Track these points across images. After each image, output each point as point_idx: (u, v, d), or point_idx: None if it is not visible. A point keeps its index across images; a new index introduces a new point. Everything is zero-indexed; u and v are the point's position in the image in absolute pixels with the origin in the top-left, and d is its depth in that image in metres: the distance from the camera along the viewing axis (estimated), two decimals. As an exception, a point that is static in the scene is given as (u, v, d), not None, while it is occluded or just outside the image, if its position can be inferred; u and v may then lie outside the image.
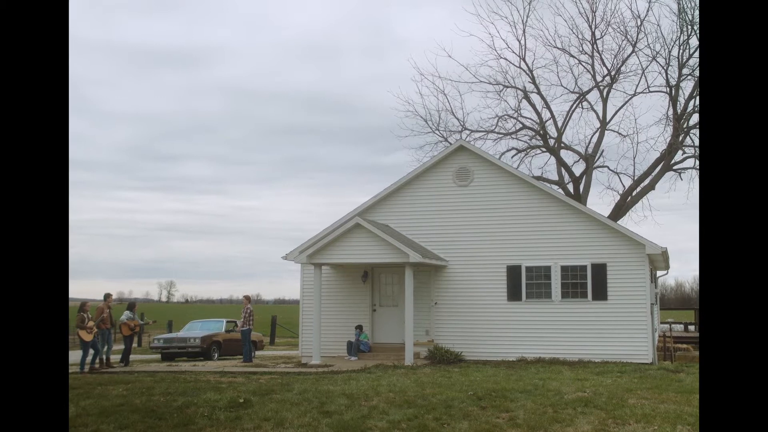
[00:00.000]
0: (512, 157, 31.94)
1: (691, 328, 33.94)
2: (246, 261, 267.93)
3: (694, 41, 29.27)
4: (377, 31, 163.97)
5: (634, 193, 31.46)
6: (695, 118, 29.76)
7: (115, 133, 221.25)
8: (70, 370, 17.58)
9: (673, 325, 31.90)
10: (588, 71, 31.54)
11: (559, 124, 32.18)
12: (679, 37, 29.88)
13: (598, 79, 31.42)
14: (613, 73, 31.16)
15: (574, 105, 32.01)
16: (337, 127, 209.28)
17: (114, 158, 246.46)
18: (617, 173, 32.34)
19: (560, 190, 29.31)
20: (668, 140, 30.40)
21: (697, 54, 28.47)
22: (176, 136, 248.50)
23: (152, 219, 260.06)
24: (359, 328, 20.69)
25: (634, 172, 31.78)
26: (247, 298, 22.45)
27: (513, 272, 20.22)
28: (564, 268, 19.83)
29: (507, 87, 31.83)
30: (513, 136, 32.41)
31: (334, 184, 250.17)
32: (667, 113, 30.97)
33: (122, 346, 21.23)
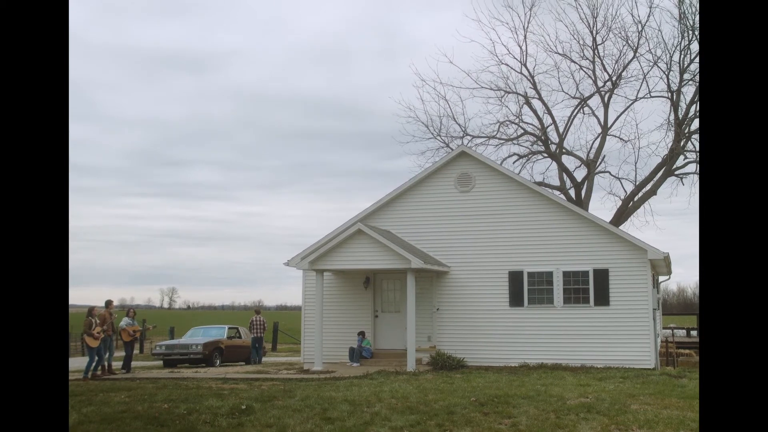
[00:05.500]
0: (514, 162, 32.00)
1: (694, 333, 33.86)
2: (249, 267, 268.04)
3: (695, 46, 29.34)
4: (388, 36, 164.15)
5: (635, 198, 31.47)
6: (697, 123, 29.78)
7: (123, 138, 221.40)
8: (72, 377, 17.57)
9: (675, 331, 31.81)
10: (589, 77, 31.64)
11: (561, 129, 32.24)
12: (680, 42, 29.99)
13: (600, 84, 31.51)
14: (614, 78, 31.23)
15: (576, 110, 32.07)
16: (346, 132, 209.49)
17: (121, 164, 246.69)
18: (619, 178, 32.40)
19: (562, 196, 29.32)
20: (670, 145, 30.41)
21: (698, 59, 28.50)
22: (184, 142, 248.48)
23: (157, 225, 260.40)
24: (361, 334, 20.68)
25: (635, 177, 31.84)
26: (256, 311, 27.10)
27: (515, 278, 20.21)
28: (566, 274, 19.82)
29: (508, 93, 31.92)
30: (514, 141, 32.46)
31: (340, 190, 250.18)
32: (668, 118, 31.04)
33: (123, 353, 21.23)
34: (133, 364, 21.49)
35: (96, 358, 18.63)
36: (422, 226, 21.17)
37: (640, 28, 30.56)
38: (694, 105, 29.94)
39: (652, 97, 31.34)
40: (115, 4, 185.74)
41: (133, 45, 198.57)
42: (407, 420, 10.24)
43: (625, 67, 31.02)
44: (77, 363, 21.76)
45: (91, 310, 18.76)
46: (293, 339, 43.41)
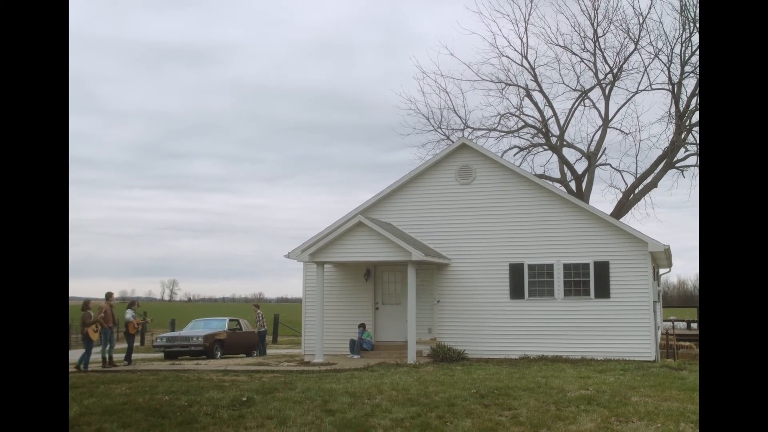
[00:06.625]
0: (514, 155, 31.95)
1: (694, 325, 33.92)
2: (250, 259, 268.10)
3: (697, 38, 29.25)
4: (389, 29, 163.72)
5: (636, 190, 31.43)
6: (698, 116, 29.72)
7: (124, 131, 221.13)
8: (70, 369, 17.60)
9: (675, 323, 31.86)
10: (590, 69, 31.54)
11: (562, 121, 32.17)
12: (682, 35, 29.90)
13: (601, 76, 31.40)
14: (615, 70, 31.14)
15: (577, 103, 31.99)
16: (346, 125, 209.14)
17: (122, 157, 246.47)
18: (620, 171, 32.33)
19: (562, 188, 29.27)
20: (671, 138, 30.36)
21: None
22: (185, 134, 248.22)
23: (159, 217, 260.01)
24: (362, 326, 20.69)
25: (636, 169, 31.78)
26: (256, 305, 27.54)
27: (515, 270, 20.21)
28: (567, 266, 19.81)
29: (509, 85, 31.84)
30: (515, 134, 32.41)
31: (341, 183, 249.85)
32: (669, 111, 30.96)
33: (125, 345, 21.28)
34: (134, 356, 21.54)
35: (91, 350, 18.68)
36: (423, 219, 21.15)
37: (641, 20, 30.51)
38: (695, 97, 29.87)
39: (653, 89, 31.29)
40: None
41: (134, 38, 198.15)
42: (408, 412, 10.26)
43: (626, 60, 30.96)
44: (77, 355, 21.77)
45: (86, 303, 18.77)
46: (294, 331, 43.47)
